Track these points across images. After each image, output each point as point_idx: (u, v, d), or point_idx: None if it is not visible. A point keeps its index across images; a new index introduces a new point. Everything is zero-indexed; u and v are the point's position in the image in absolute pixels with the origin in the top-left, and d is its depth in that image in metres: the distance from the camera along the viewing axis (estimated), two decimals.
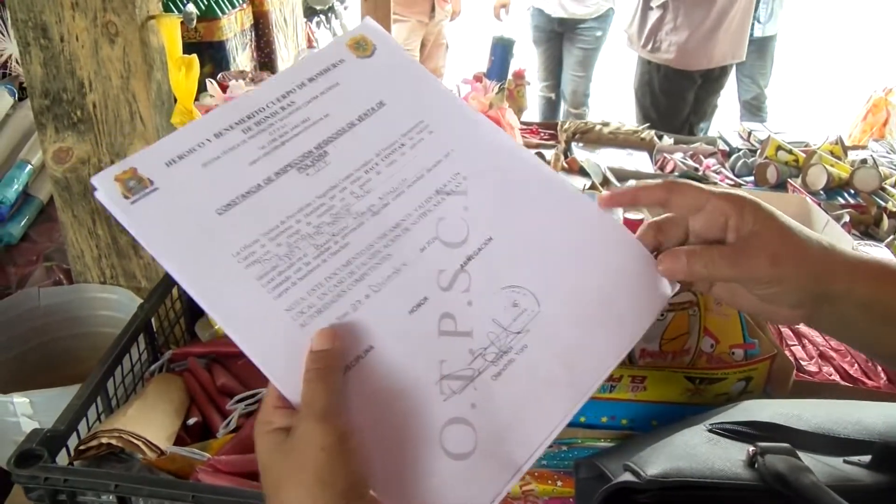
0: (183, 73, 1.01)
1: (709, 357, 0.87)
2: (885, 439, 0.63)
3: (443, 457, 0.50)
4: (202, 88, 1.41)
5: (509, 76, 2.03)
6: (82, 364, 1.23)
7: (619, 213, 1.03)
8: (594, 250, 0.60)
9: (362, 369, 0.50)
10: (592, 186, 1.69)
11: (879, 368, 1.09)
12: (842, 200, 1.76)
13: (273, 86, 0.56)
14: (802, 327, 1.14)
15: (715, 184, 1.84)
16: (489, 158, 0.60)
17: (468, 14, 4.51)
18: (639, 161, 2.01)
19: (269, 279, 0.49)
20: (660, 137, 2.12)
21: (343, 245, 0.52)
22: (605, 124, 2.14)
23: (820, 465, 0.60)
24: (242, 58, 1.98)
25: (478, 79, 1.56)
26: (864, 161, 1.88)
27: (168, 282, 1.10)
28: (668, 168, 1.95)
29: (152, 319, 1.06)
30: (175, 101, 1.05)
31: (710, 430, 0.67)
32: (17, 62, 1.61)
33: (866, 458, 0.62)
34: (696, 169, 1.93)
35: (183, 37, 1.04)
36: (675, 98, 3.13)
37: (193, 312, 1.18)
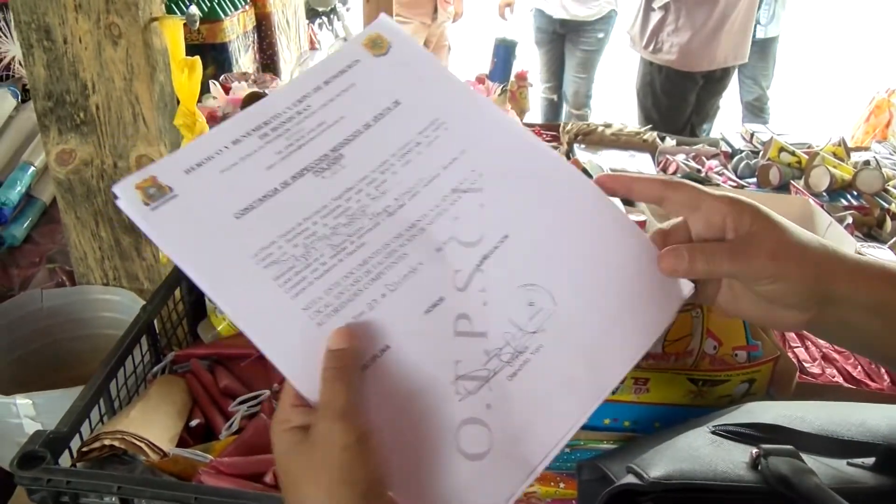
0: (186, 74, 1.01)
1: (712, 359, 0.86)
2: (888, 441, 0.63)
3: (458, 457, 0.50)
4: (205, 90, 1.41)
5: (511, 78, 2.03)
6: (85, 366, 1.23)
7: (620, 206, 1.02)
8: (611, 249, 0.59)
9: (378, 369, 0.50)
10: None
11: (883, 370, 1.09)
12: (845, 202, 1.75)
13: (290, 90, 0.56)
14: None
15: (717, 185, 1.84)
16: (506, 154, 0.59)
17: (470, 16, 4.51)
18: (641, 163, 2.00)
19: (286, 279, 0.49)
20: (662, 139, 2.12)
21: (359, 245, 0.52)
22: (608, 126, 2.14)
23: (823, 468, 0.60)
24: (245, 59, 1.99)
25: (480, 80, 1.56)
26: (866, 162, 1.88)
27: (171, 283, 1.11)
28: (671, 169, 1.94)
29: (155, 321, 1.06)
30: (178, 102, 1.05)
31: (713, 432, 0.66)
32: (20, 64, 1.61)
33: (870, 461, 0.62)
34: (699, 170, 1.93)
35: (186, 38, 1.04)
36: (677, 99, 3.13)
37: (196, 314, 1.18)
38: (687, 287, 0.60)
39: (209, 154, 0.52)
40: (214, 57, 1.83)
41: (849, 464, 0.62)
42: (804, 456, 0.59)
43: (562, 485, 0.84)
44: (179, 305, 1.16)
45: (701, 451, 0.63)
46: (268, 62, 2.15)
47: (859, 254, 1.15)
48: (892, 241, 1.53)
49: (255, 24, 2.06)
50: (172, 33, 1.02)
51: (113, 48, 1.07)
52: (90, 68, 1.09)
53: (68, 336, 1.29)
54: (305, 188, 0.53)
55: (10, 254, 1.45)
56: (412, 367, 0.51)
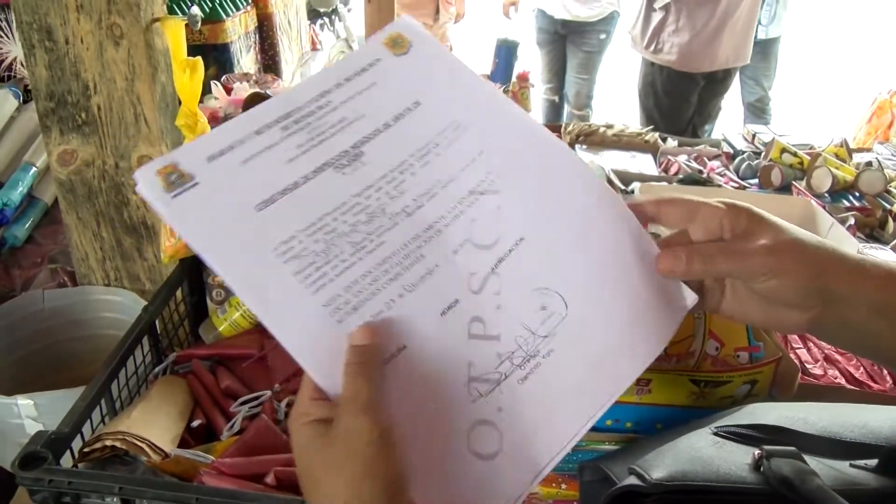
0: (187, 75, 1.01)
1: (714, 360, 0.86)
2: (891, 443, 0.63)
3: (470, 457, 0.51)
4: (206, 91, 1.41)
5: (513, 78, 2.03)
6: (86, 366, 1.23)
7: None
8: (621, 256, 0.59)
9: (395, 368, 0.50)
10: None
11: (885, 372, 1.09)
12: (847, 203, 1.75)
13: (311, 85, 0.56)
14: None
15: (719, 186, 1.84)
16: (524, 155, 0.59)
17: (472, 16, 4.51)
18: (643, 163, 2.00)
19: (306, 275, 0.49)
20: (664, 140, 2.12)
21: (378, 244, 0.52)
22: (609, 126, 2.14)
23: (826, 469, 0.60)
24: (246, 60, 1.99)
25: None
26: (869, 163, 1.88)
27: (172, 284, 1.11)
28: (672, 170, 1.94)
29: (156, 322, 1.06)
30: (179, 103, 1.05)
31: (716, 434, 0.66)
32: (21, 64, 1.61)
33: (872, 462, 0.62)
34: (700, 171, 1.93)
35: (187, 39, 1.04)
36: (678, 100, 3.13)
37: (197, 315, 1.19)
38: (690, 297, 0.61)
39: (231, 143, 0.52)
40: (216, 57, 1.83)
41: (851, 465, 0.62)
42: (806, 457, 0.59)
43: (563, 486, 0.84)
44: (181, 306, 1.16)
45: (703, 453, 0.63)
46: (269, 63, 2.15)
47: (861, 255, 1.14)
48: (894, 243, 1.52)
49: (256, 24, 2.06)
50: (174, 34, 1.02)
51: (114, 49, 1.07)
52: (92, 69, 1.09)
53: (70, 337, 1.29)
54: (326, 183, 0.53)
55: (12, 254, 1.45)
56: (427, 367, 0.51)
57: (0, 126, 1.52)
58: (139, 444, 0.86)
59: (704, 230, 0.60)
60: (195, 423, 0.99)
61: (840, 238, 1.46)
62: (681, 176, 1.89)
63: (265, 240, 0.49)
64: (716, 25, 2.92)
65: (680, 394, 0.80)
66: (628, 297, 0.59)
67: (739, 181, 1.91)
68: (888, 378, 1.08)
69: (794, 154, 1.90)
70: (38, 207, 1.50)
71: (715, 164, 1.99)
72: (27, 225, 1.47)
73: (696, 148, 2.08)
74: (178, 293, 1.14)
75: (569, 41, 3.96)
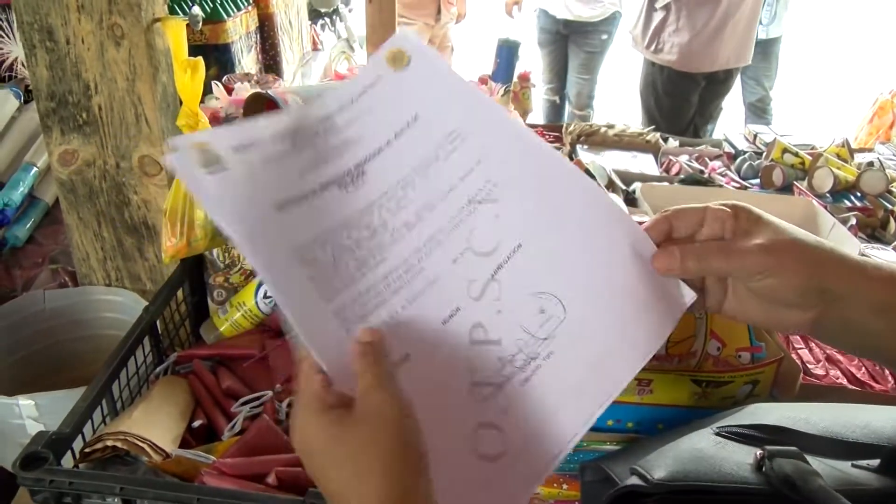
0: (188, 75, 1.01)
1: (715, 360, 0.86)
2: (893, 443, 0.63)
3: (475, 459, 0.52)
4: (207, 91, 1.41)
5: (514, 78, 2.03)
6: (87, 366, 1.23)
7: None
8: (618, 258, 0.60)
9: (399, 376, 0.51)
10: None
11: (887, 372, 1.09)
12: (848, 203, 1.75)
13: (317, 107, 0.57)
14: None
15: (720, 186, 1.84)
16: (520, 163, 0.60)
17: (474, 16, 4.52)
18: (644, 163, 2.00)
19: (318, 283, 0.51)
20: (665, 140, 2.12)
21: (381, 260, 0.54)
22: (611, 126, 2.14)
23: (828, 469, 0.60)
24: (248, 60, 1.98)
25: (483, 81, 1.55)
26: (870, 164, 1.88)
27: (173, 284, 1.11)
28: (674, 170, 1.94)
29: (157, 322, 1.06)
30: (181, 103, 1.05)
31: (717, 434, 0.66)
32: (22, 65, 1.61)
33: (874, 463, 0.62)
34: (702, 171, 1.93)
35: (188, 39, 1.04)
36: (679, 100, 3.13)
37: (198, 315, 1.19)
38: (689, 295, 0.62)
39: (252, 141, 0.53)
40: (217, 58, 1.83)
41: (853, 465, 0.62)
42: (808, 458, 0.59)
43: (565, 486, 0.84)
44: (182, 306, 1.16)
45: (705, 453, 0.63)
46: (270, 63, 2.15)
47: (863, 255, 1.15)
48: (895, 243, 1.52)
49: (257, 24, 2.06)
50: (175, 34, 1.02)
51: (115, 49, 1.07)
52: (93, 69, 1.09)
53: (71, 337, 1.29)
54: (332, 200, 0.54)
55: (13, 254, 1.45)
56: (431, 374, 0.53)
57: (1, 126, 1.52)
58: (140, 444, 0.86)
59: (709, 232, 0.61)
60: (196, 424, 0.99)
61: (842, 238, 1.46)
62: (682, 176, 1.89)
63: (285, 238, 0.51)
64: (716, 26, 2.92)
65: (681, 394, 0.80)
66: (626, 297, 0.60)
67: (741, 181, 1.90)
68: (890, 378, 1.08)
69: (796, 154, 1.90)
70: (39, 207, 1.50)
71: (716, 164, 1.99)
72: (28, 225, 1.47)
73: (698, 148, 2.08)
74: (179, 293, 1.14)
75: (570, 41, 3.96)
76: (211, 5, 1.80)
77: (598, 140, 2.09)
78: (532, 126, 2.17)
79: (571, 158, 1.90)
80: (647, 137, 2.09)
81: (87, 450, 0.86)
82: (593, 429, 0.80)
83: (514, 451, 0.54)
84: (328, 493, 0.48)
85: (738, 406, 0.73)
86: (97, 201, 1.20)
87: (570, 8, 3.79)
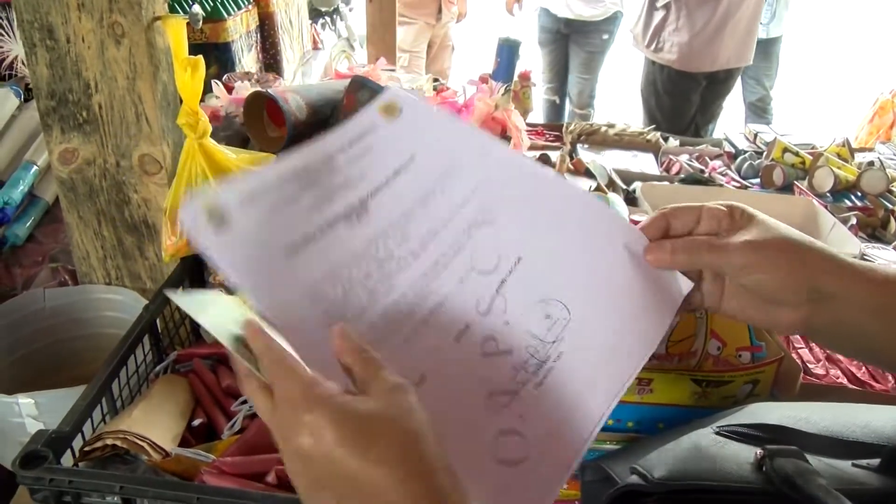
0: (189, 73, 1.01)
1: (715, 360, 0.86)
2: (893, 443, 0.63)
3: (498, 466, 0.54)
4: (208, 89, 1.41)
5: (515, 77, 2.03)
6: (87, 365, 1.23)
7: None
8: (612, 255, 0.64)
9: (418, 395, 0.52)
10: (598, 188, 1.69)
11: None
12: (849, 203, 1.75)
13: (317, 149, 0.59)
14: None
15: (721, 185, 1.84)
16: (511, 184, 0.64)
17: (474, 16, 4.52)
18: (644, 163, 2.00)
19: (331, 317, 0.52)
20: (665, 139, 2.12)
21: (390, 287, 0.56)
22: (611, 126, 2.14)
23: (828, 469, 0.60)
24: (248, 59, 1.98)
25: (483, 80, 1.55)
26: (871, 163, 1.88)
27: (173, 283, 1.11)
28: (674, 170, 1.94)
29: (157, 320, 1.06)
30: (181, 101, 1.05)
31: (718, 433, 0.66)
32: (23, 63, 1.61)
33: (875, 462, 0.62)
34: (702, 171, 1.93)
35: (189, 38, 1.04)
36: (680, 99, 3.12)
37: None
38: (686, 285, 0.65)
39: (261, 189, 0.54)
40: (217, 56, 1.83)
41: (854, 465, 0.62)
42: (809, 457, 0.59)
43: (565, 485, 0.84)
44: None
45: (705, 452, 0.63)
46: (271, 62, 2.15)
47: (864, 255, 1.15)
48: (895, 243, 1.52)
49: (258, 23, 2.06)
50: (175, 32, 1.01)
51: (116, 47, 1.07)
52: (93, 67, 1.09)
53: (71, 335, 1.29)
54: (339, 236, 0.56)
55: (13, 253, 1.45)
56: (448, 390, 0.54)
57: (1, 125, 1.52)
58: (140, 443, 0.86)
59: (705, 229, 0.64)
60: (196, 422, 0.99)
61: (842, 238, 1.46)
62: (682, 175, 1.89)
63: (296, 281, 0.52)
64: (716, 25, 2.91)
65: (682, 393, 0.80)
66: (624, 291, 0.64)
67: (741, 181, 1.90)
68: (890, 378, 1.08)
69: (796, 154, 1.90)
70: (39, 206, 1.50)
71: (717, 163, 1.99)
72: (28, 223, 1.47)
73: (698, 147, 2.08)
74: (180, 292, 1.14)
75: (571, 41, 3.95)
76: (211, 4, 1.80)
77: (598, 139, 2.10)
78: (532, 125, 2.17)
79: (572, 158, 1.90)
80: (648, 137, 2.09)
81: (86, 448, 0.86)
82: None
83: (536, 454, 0.55)
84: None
85: (739, 405, 0.73)
86: (97, 200, 1.20)
87: (572, 7, 3.78)
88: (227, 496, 0.75)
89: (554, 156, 1.89)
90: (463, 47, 4.60)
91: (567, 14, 3.82)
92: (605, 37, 3.87)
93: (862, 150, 2.18)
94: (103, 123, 1.13)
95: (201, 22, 1.35)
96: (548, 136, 2.15)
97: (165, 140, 1.14)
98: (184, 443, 0.94)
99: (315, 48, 2.92)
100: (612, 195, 1.59)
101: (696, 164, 1.97)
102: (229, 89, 1.49)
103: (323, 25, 3.78)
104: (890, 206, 1.71)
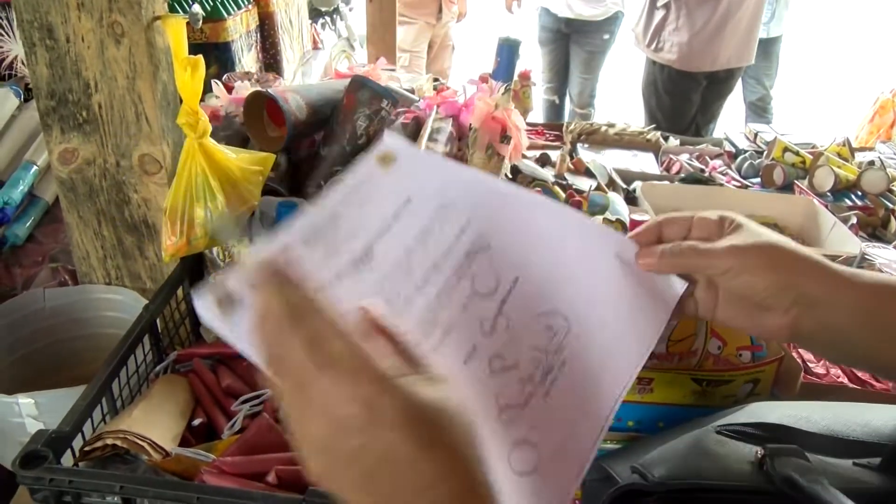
0: (189, 73, 1.01)
1: (716, 359, 0.86)
2: (894, 442, 0.63)
3: (514, 477, 0.56)
4: (208, 89, 1.41)
5: (515, 77, 2.03)
6: (87, 365, 1.23)
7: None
8: (605, 261, 0.67)
9: None
10: (598, 187, 1.69)
11: None
12: (849, 202, 1.75)
13: (322, 208, 0.61)
14: None
15: (721, 185, 1.84)
16: (501, 210, 0.66)
17: (474, 15, 4.52)
18: (644, 162, 2.00)
19: None
20: (665, 138, 2.11)
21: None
22: (611, 125, 2.14)
23: (829, 468, 0.60)
24: (248, 59, 1.99)
25: (483, 80, 1.55)
26: (871, 163, 1.87)
27: (173, 283, 1.11)
28: (674, 169, 1.94)
29: (157, 320, 1.06)
30: (181, 101, 1.05)
31: (718, 432, 0.66)
32: (22, 63, 1.61)
33: (875, 461, 0.62)
34: (702, 170, 1.93)
35: (189, 38, 1.04)
36: (680, 99, 3.12)
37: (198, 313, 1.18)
38: (680, 284, 0.67)
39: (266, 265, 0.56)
40: (217, 56, 1.83)
41: (854, 464, 0.62)
42: (809, 456, 0.59)
43: None
44: (182, 305, 1.15)
45: (706, 451, 0.63)
46: (271, 62, 2.15)
47: (865, 254, 1.15)
48: None
49: (258, 23, 2.06)
50: (175, 32, 1.01)
51: (115, 47, 1.07)
52: (93, 67, 1.09)
53: (71, 335, 1.29)
54: (347, 285, 0.58)
55: (13, 253, 1.45)
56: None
57: (1, 125, 1.52)
58: (140, 442, 0.86)
59: (697, 237, 0.66)
60: (196, 422, 0.99)
61: (842, 237, 1.46)
62: (682, 175, 1.89)
63: None
64: (716, 25, 2.91)
65: (682, 393, 0.80)
66: (619, 296, 0.67)
67: (741, 180, 1.90)
68: None
69: (797, 153, 1.89)
70: (39, 206, 1.50)
71: (717, 163, 1.98)
72: (28, 223, 1.47)
73: (698, 147, 2.08)
74: (180, 292, 1.14)
75: (572, 40, 3.95)
76: (211, 4, 1.80)
77: (598, 139, 2.10)
78: (532, 125, 2.17)
79: (572, 157, 1.90)
80: (648, 136, 2.09)
81: (86, 448, 0.86)
82: None
83: (548, 462, 0.57)
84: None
85: (739, 405, 0.73)
86: (97, 200, 1.20)
87: (573, 7, 3.78)
88: (227, 496, 0.75)
89: (554, 155, 1.89)
90: (463, 47, 4.60)
91: (568, 14, 3.81)
92: (606, 37, 3.87)
93: (862, 149, 2.17)
94: (103, 123, 1.13)
95: (201, 21, 1.35)
96: (548, 135, 2.15)
97: (165, 140, 1.14)
98: (184, 442, 0.94)
99: (315, 48, 2.92)
100: (612, 194, 1.59)
101: (697, 164, 1.97)
102: (229, 89, 1.49)
103: (323, 25, 3.78)
104: (890, 205, 1.71)
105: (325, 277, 0.57)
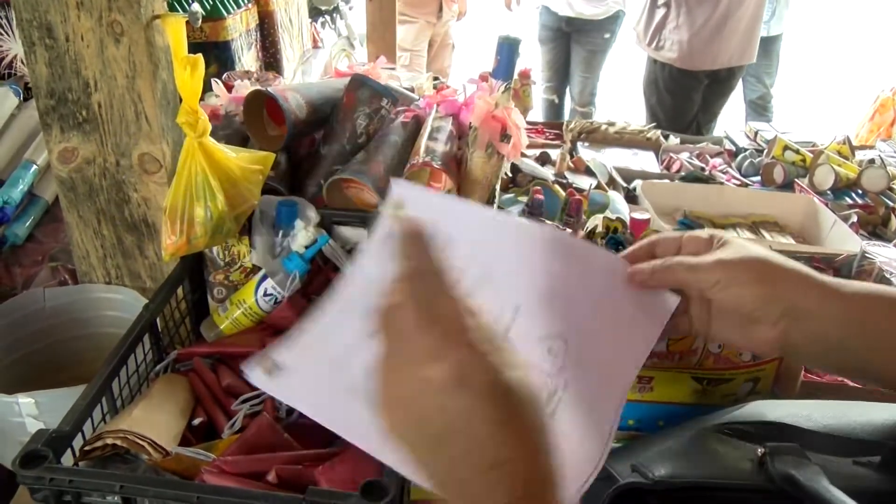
0: (188, 72, 1.01)
1: (716, 358, 0.86)
2: (894, 440, 0.63)
3: None
4: (207, 88, 1.41)
5: (515, 76, 2.03)
6: (87, 365, 1.23)
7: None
8: (599, 282, 0.70)
9: None
10: (598, 186, 1.69)
11: None
12: (849, 200, 1.75)
13: (356, 277, 0.67)
14: None
15: (721, 183, 1.84)
16: (498, 242, 0.69)
17: (474, 14, 4.51)
18: (644, 161, 2.00)
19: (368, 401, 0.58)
20: (665, 137, 2.11)
21: None
22: (611, 124, 2.14)
23: (829, 466, 0.60)
24: (248, 58, 1.99)
25: (483, 78, 1.55)
26: (871, 161, 1.87)
27: (173, 282, 1.11)
28: (675, 168, 1.94)
29: (157, 319, 1.06)
30: (180, 100, 1.05)
31: (719, 431, 0.66)
32: (22, 62, 1.61)
33: (876, 459, 0.62)
34: (703, 169, 1.93)
35: (188, 37, 1.04)
36: (681, 98, 3.12)
37: (199, 312, 1.18)
38: (672, 299, 0.69)
39: (308, 338, 0.64)
40: (217, 55, 1.83)
41: (855, 462, 0.62)
42: (810, 454, 0.59)
43: None
44: (182, 304, 1.15)
45: (706, 450, 0.63)
46: (270, 60, 2.15)
47: (865, 252, 1.15)
48: None
49: (257, 22, 2.06)
50: (175, 31, 1.01)
51: (115, 46, 1.07)
52: (92, 66, 1.09)
53: (71, 335, 1.28)
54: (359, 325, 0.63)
55: (13, 252, 1.45)
56: None
57: (0, 124, 1.52)
58: (140, 442, 0.86)
59: (688, 255, 0.68)
60: (196, 422, 0.99)
61: (843, 236, 1.46)
62: (683, 173, 1.88)
63: (341, 385, 0.60)
64: (716, 23, 2.90)
65: (682, 391, 0.80)
66: (613, 312, 0.69)
67: (742, 179, 1.90)
68: None
69: (797, 151, 1.89)
70: (38, 205, 1.50)
71: (717, 161, 1.98)
72: (28, 223, 1.47)
73: (699, 145, 2.08)
74: (180, 291, 1.14)
75: (573, 39, 3.95)
76: (211, 3, 1.80)
77: (598, 137, 2.10)
78: (532, 124, 2.16)
79: (572, 156, 1.90)
80: (648, 135, 2.09)
81: (87, 448, 0.86)
82: None
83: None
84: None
85: (740, 403, 0.73)
86: (97, 199, 1.20)
87: (574, 6, 3.78)
88: (227, 495, 0.75)
89: (554, 154, 1.89)
90: (463, 45, 4.60)
91: (569, 12, 3.81)
92: (607, 36, 3.86)
93: (862, 147, 2.17)
94: (103, 122, 1.13)
95: (201, 20, 1.35)
96: (548, 134, 2.15)
97: (165, 139, 1.14)
98: (184, 442, 0.94)
99: (315, 47, 2.92)
100: (612, 193, 1.59)
101: (697, 162, 1.97)
102: (229, 88, 1.49)
103: (323, 24, 3.78)
104: (890, 203, 1.71)
105: (358, 339, 0.62)
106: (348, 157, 1.28)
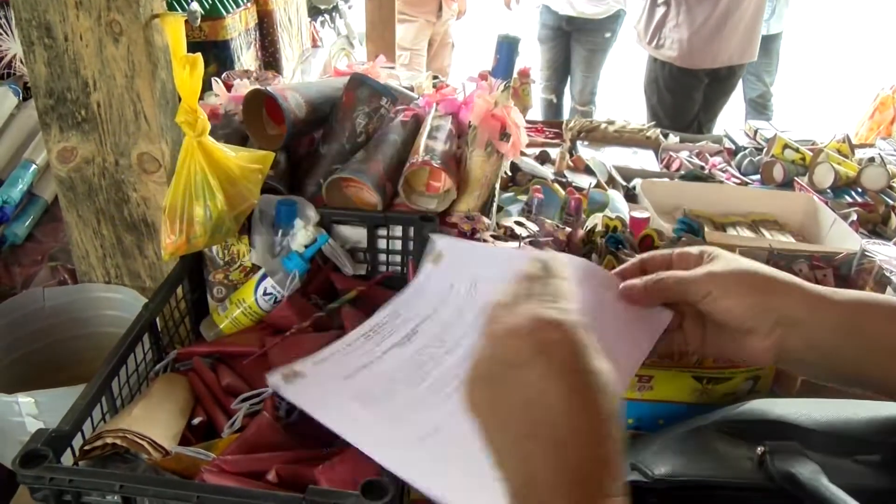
0: (187, 71, 1.01)
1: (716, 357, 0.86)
2: (894, 439, 0.63)
3: None
4: (207, 87, 1.41)
5: (514, 74, 2.03)
6: (87, 364, 1.23)
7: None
8: (594, 299, 0.69)
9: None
10: (598, 185, 1.69)
11: None
12: (849, 199, 1.75)
13: (388, 307, 0.79)
14: None
15: (721, 182, 1.84)
16: (512, 271, 0.72)
17: (474, 13, 4.51)
18: (644, 159, 2.00)
19: (381, 414, 0.65)
20: (665, 136, 2.11)
21: (424, 376, 0.68)
22: (611, 123, 2.14)
23: (829, 465, 0.60)
24: (247, 57, 1.98)
25: (483, 77, 1.55)
26: (871, 159, 1.87)
27: (172, 281, 1.11)
28: (674, 166, 1.94)
29: (157, 319, 1.06)
30: (180, 99, 1.05)
31: (719, 430, 0.66)
32: (21, 62, 1.61)
33: (876, 458, 0.62)
34: (702, 167, 1.92)
35: (187, 36, 1.04)
36: (681, 97, 3.12)
37: (198, 312, 1.18)
38: (665, 314, 0.70)
39: (327, 353, 0.74)
40: (216, 54, 1.83)
41: (854, 461, 0.62)
42: (810, 453, 0.59)
43: None
44: (181, 303, 1.15)
45: (706, 449, 0.63)
46: (270, 60, 2.15)
47: (865, 251, 1.15)
48: None
49: (256, 21, 2.06)
50: (174, 30, 1.01)
51: (114, 45, 1.07)
52: (91, 66, 1.09)
53: (70, 334, 1.29)
54: (391, 357, 0.72)
55: (13, 252, 1.45)
56: (461, 441, 0.59)
57: (0, 123, 1.52)
58: (140, 441, 0.86)
59: (677, 270, 0.69)
60: (196, 421, 0.99)
61: (842, 234, 1.46)
62: (682, 172, 1.88)
63: (349, 394, 0.68)
64: (716, 22, 2.90)
65: (682, 390, 0.80)
66: (606, 328, 0.69)
67: (741, 177, 1.90)
68: None
69: (797, 150, 1.89)
70: (38, 205, 1.49)
71: (717, 160, 1.98)
72: (27, 223, 1.47)
73: (698, 144, 2.08)
74: (179, 290, 1.14)
75: (573, 39, 3.95)
76: (210, 2, 1.80)
77: (598, 136, 2.09)
78: (532, 122, 2.16)
79: (571, 154, 1.89)
80: (648, 133, 2.09)
81: (86, 447, 0.86)
82: None
83: None
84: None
85: (739, 402, 0.73)
86: (96, 199, 1.20)
87: (575, 4, 3.78)
88: (227, 495, 0.75)
89: (553, 153, 1.89)
90: (463, 44, 4.60)
91: (570, 12, 3.81)
92: (608, 35, 3.86)
93: (862, 146, 2.17)
94: (102, 122, 1.13)
95: (200, 19, 1.35)
96: (547, 132, 2.14)
97: (164, 138, 1.14)
98: (184, 441, 0.94)
99: (314, 46, 2.92)
100: (612, 192, 1.59)
101: (697, 161, 1.97)
102: (228, 87, 1.49)
103: (322, 23, 3.78)
104: (890, 202, 1.71)
105: (374, 355, 0.73)
106: (348, 157, 1.28)
